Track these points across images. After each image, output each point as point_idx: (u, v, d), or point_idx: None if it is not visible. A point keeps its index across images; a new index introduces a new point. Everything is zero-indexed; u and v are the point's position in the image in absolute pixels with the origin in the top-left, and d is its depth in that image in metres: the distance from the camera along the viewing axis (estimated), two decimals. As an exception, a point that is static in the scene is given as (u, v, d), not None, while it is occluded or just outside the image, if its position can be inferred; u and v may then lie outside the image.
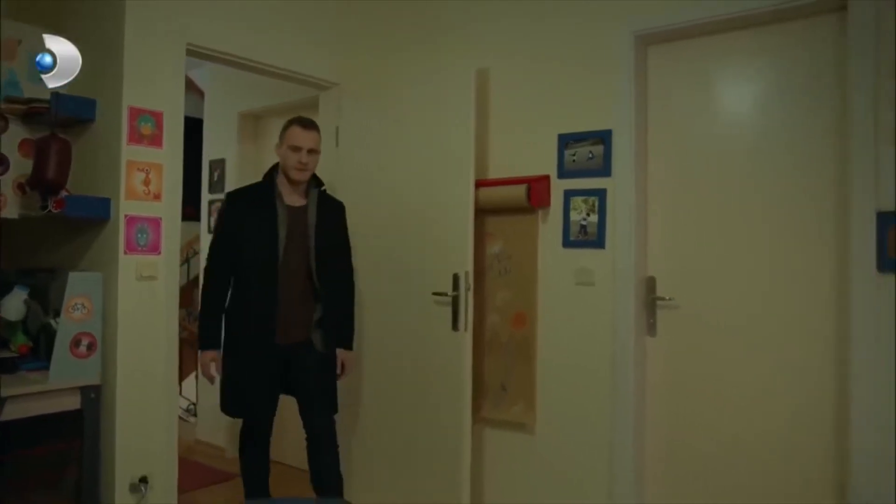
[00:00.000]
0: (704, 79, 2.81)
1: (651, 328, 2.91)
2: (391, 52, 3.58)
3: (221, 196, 4.54)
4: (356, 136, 3.55)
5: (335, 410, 2.99)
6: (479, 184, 3.14)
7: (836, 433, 2.45)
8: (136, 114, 2.83)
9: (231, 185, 4.50)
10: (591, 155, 2.95)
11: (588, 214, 2.96)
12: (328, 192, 3.11)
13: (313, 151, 2.91)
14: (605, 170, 2.91)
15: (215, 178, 4.58)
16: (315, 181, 3.01)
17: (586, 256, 2.97)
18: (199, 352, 2.89)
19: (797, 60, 2.60)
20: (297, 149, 2.87)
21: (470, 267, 3.04)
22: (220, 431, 4.52)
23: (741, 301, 2.69)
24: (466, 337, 3.03)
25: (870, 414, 2.30)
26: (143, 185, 2.86)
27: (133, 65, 2.81)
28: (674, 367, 2.86)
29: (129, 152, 2.80)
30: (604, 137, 2.92)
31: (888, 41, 2.32)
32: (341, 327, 3.06)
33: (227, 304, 2.91)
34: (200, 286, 2.95)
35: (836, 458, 2.45)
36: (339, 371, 3.04)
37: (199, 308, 2.93)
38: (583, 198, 2.98)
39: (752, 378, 2.65)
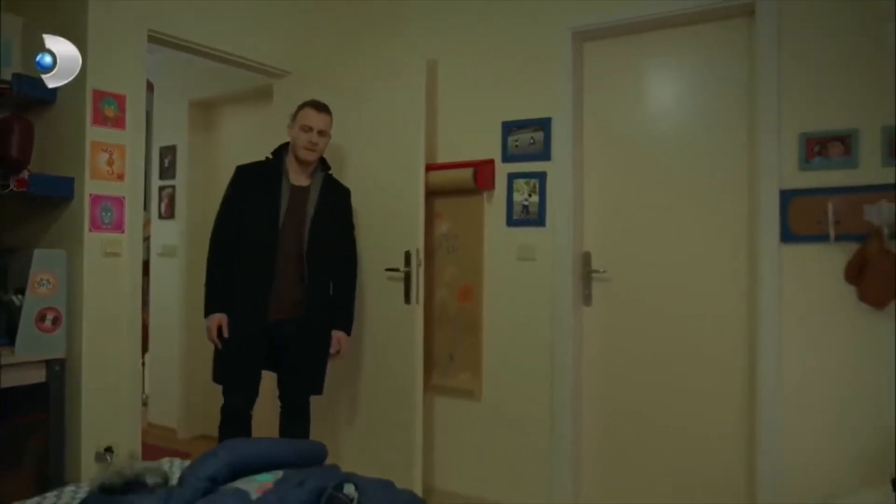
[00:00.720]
0: (634, 73, 3.12)
1: (587, 299, 3.20)
2: (344, 43, 3.76)
3: (173, 182, 4.62)
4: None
5: (319, 391, 3.08)
6: (429, 168, 3.36)
7: (747, 375, 2.79)
8: (99, 96, 2.93)
9: (182, 172, 4.59)
10: (532, 141, 3.22)
11: (530, 195, 3.22)
12: (334, 176, 3.18)
13: (323, 133, 3.01)
14: (545, 154, 3.18)
15: (166, 165, 4.64)
16: (322, 164, 3.10)
17: (528, 234, 3.23)
18: (206, 318, 2.92)
19: (713, 58, 2.93)
20: (308, 129, 2.97)
21: (421, 244, 3.25)
22: (171, 414, 4.60)
23: (666, 271, 3.01)
24: (418, 310, 3.25)
25: (774, 354, 2.66)
26: (107, 165, 2.96)
27: (96, 49, 2.91)
28: (607, 333, 3.16)
29: (94, 133, 2.90)
30: (544, 125, 3.19)
31: (790, 43, 2.66)
32: (339, 310, 3.11)
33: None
34: (206, 256, 2.99)
35: (746, 397, 2.79)
36: (333, 351, 3.08)
37: (206, 275, 2.97)
38: (525, 180, 3.23)
39: (676, 338, 2.97)
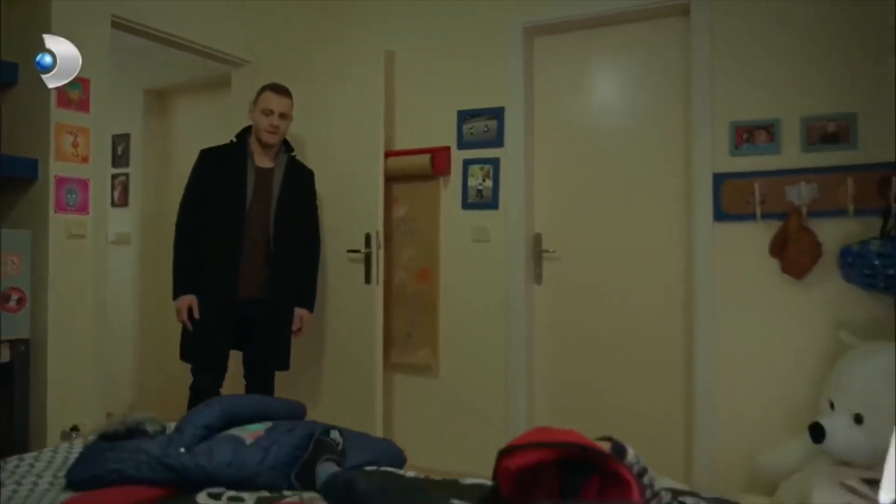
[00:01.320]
0: (580, 66, 3.35)
1: (538, 277, 3.41)
2: (303, 33, 3.86)
3: (126, 170, 4.63)
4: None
5: (285, 367, 3.18)
6: (388, 154, 3.51)
7: (685, 342, 3.05)
8: (63, 79, 2.96)
9: (136, 160, 4.60)
10: (486, 129, 3.41)
11: (484, 180, 3.41)
12: (298, 158, 3.26)
13: (284, 116, 3.09)
14: (498, 141, 3.38)
15: (119, 153, 4.64)
16: (286, 147, 3.19)
17: (482, 217, 3.42)
18: (175, 299, 2.98)
19: (653, 53, 3.19)
20: (269, 112, 3.05)
21: (380, 227, 3.40)
22: (125, 400, 4.61)
23: (610, 249, 3.25)
24: (378, 289, 3.39)
25: (709, 322, 2.93)
26: (72, 147, 3.00)
27: (60, 32, 2.91)
28: (557, 309, 3.37)
29: (58, 115, 2.94)
30: (497, 114, 3.38)
31: (721, 41, 2.93)
32: (302, 289, 3.22)
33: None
34: (173, 239, 3.05)
35: (684, 363, 3.05)
36: (295, 328, 3.18)
37: (173, 258, 3.02)
38: (479, 166, 3.42)
39: (620, 311, 3.21)
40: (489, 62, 3.41)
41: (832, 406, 2.45)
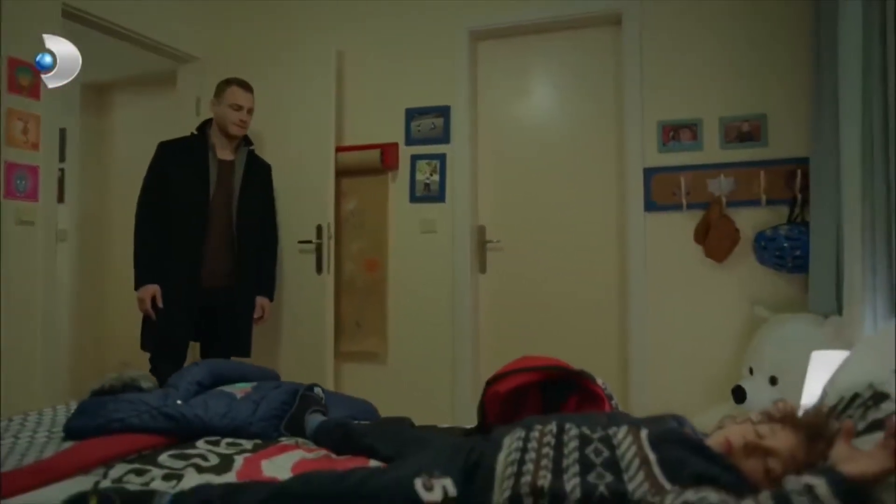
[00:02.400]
0: (522, 68, 3.59)
1: (482, 266, 3.61)
2: (254, 31, 3.93)
3: (61, 165, 4.53)
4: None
5: (247, 353, 3.21)
6: (339, 150, 3.63)
7: (620, 323, 3.31)
8: (14, 64, 2.95)
9: (73, 156, 4.52)
10: (433, 126, 3.59)
11: (431, 175, 3.59)
12: (256, 152, 3.33)
13: (251, 111, 3.20)
14: (445, 138, 3.57)
15: (53, 148, 4.54)
16: (245, 140, 3.25)
17: (430, 209, 3.59)
18: (137, 289, 2.97)
19: (588, 58, 3.47)
20: (237, 107, 3.12)
21: (331, 218, 3.52)
22: (57, 400, 4.49)
23: (549, 239, 3.48)
24: (329, 279, 3.51)
25: (641, 304, 3.21)
26: (22, 133, 2.98)
27: (11, 18, 2.94)
28: (500, 296, 3.58)
29: (10, 101, 2.92)
30: (444, 112, 3.58)
31: (650, 48, 3.23)
32: (262, 277, 3.29)
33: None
34: (133, 230, 3.05)
35: (619, 342, 3.30)
36: (257, 316, 3.26)
37: (134, 248, 3.03)
38: (427, 161, 3.60)
39: (559, 296, 3.44)
40: (436, 63, 3.60)
41: (751, 371, 2.75)
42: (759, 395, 2.63)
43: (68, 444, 1.58)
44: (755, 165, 3.03)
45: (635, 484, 1.12)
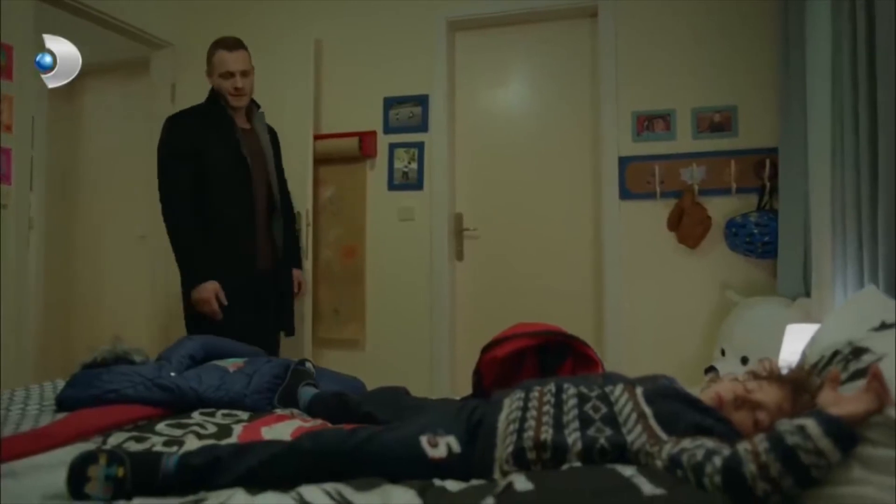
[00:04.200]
0: (499, 59, 3.64)
1: (459, 254, 3.65)
2: (230, 19, 3.89)
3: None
4: (197, 96, 3.81)
5: (292, 331, 3.11)
6: (317, 137, 3.64)
7: (596, 308, 3.38)
8: (-14, 45, 2.90)
9: (40, 142, 4.42)
10: (411, 115, 3.63)
11: (409, 163, 3.62)
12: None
13: (247, 73, 2.79)
14: (423, 127, 3.60)
15: (20, 134, 4.45)
16: (255, 104, 2.94)
17: (408, 197, 3.62)
18: (193, 290, 2.61)
19: (565, 49, 3.53)
20: (228, 75, 2.76)
21: (310, 205, 3.53)
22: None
23: (526, 226, 3.54)
24: (307, 266, 3.51)
25: (616, 289, 3.29)
26: (-5, 114, 2.93)
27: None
28: (477, 283, 3.63)
29: (-18, 81, 2.87)
30: (422, 101, 3.61)
31: (624, 40, 3.31)
32: (293, 248, 3.10)
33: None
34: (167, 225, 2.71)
35: (595, 326, 3.37)
36: (296, 290, 3.11)
37: (176, 245, 2.68)
38: (405, 149, 3.63)
39: (536, 283, 3.50)
40: (415, 53, 3.63)
41: (723, 353, 2.84)
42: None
43: (62, 416, 1.57)
44: (726, 155, 3.13)
45: (634, 436, 1.17)
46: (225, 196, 2.69)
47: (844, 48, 2.12)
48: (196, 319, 2.64)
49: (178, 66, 3.90)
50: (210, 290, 2.60)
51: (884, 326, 1.30)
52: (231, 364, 1.84)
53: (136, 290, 4.06)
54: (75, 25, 3.57)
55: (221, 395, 1.69)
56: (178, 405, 1.63)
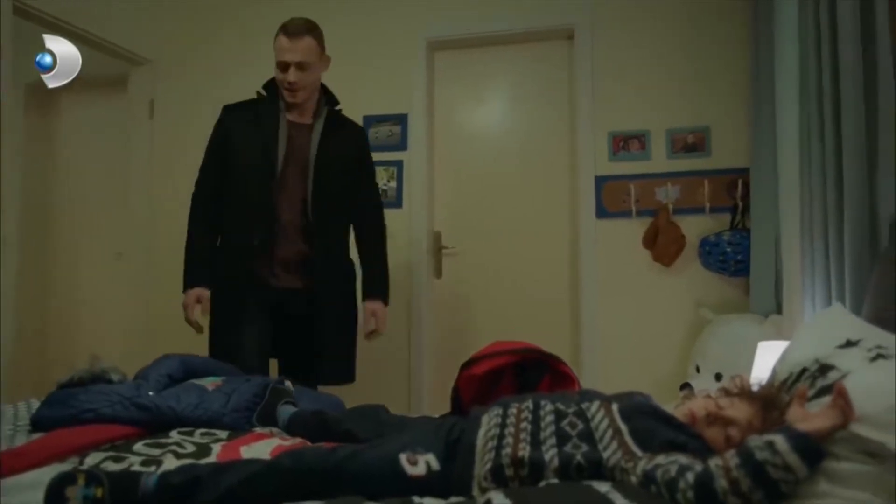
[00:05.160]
0: (477, 79, 3.70)
1: (438, 271, 3.67)
2: (209, 35, 3.91)
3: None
4: (177, 113, 3.82)
5: (349, 377, 2.56)
6: (295, 154, 3.65)
7: (573, 325, 3.42)
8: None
9: (14, 161, 4.37)
10: (390, 133, 3.66)
11: (389, 181, 3.64)
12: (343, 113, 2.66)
13: (305, 67, 2.36)
14: (402, 145, 3.63)
15: (-5, 150, 4.40)
16: (328, 98, 2.57)
17: (387, 215, 3.60)
18: (184, 293, 2.39)
19: (542, 70, 3.59)
20: (284, 66, 2.37)
21: (289, 223, 3.52)
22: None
23: (504, 245, 3.58)
24: (286, 283, 3.49)
25: (593, 306, 3.33)
26: (-29, 129, 2.91)
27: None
28: (455, 300, 3.65)
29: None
30: (401, 120, 3.64)
31: (601, 62, 3.38)
32: (368, 273, 2.61)
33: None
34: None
35: (572, 343, 3.41)
36: (369, 329, 2.56)
37: (186, 241, 2.46)
38: (384, 167, 3.64)
39: (514, 300, 3.53)
40: (394, 72, 3.66)
41: (697, 369, 2.89)
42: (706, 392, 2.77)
43: (38, 436, 1.56)
44: (699, 175, 3.19)
45: (609, 452, 1.20)
46: (242, 195, 2.39)
47: (811, 73, 2.19)
48: (212, 336, 2.40)
49: (157, 82, 3.91)
50: (191, 296, 2.35)
51: (849, 344, 1.34)
52: (210, 383, 1.83)
53: (113, 309, 4.01)
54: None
55: (200, 414, 1.69)
56: (156, 425, 1.62)
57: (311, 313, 2.42)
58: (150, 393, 1.68)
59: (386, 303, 2.64)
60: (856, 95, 1.93)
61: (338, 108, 2.62)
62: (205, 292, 2.37)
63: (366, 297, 2.59)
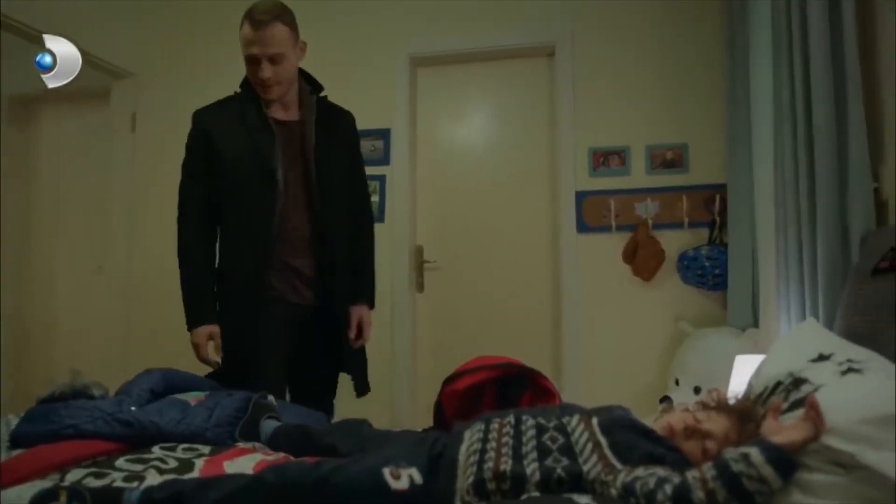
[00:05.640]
0: (460, 95, 3.74)
1: (420, 286, 3.69)
2: (192, 47, 3.92)
3: (-18, 180, 4.36)
4: (159, 126, 3.81)
5: (367, 387, 2.48)
6: (278, 168, 3.66)
7: (554, 338, 3.45)
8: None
9: (-8, 169, 4.35)
10: (373, 148, 3.67)
11: (372, 195, 3.65)
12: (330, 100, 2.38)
13: (277, 59, 2.07)
14: (385, 160, 3.66)
15: (-28, 162, 4.37)
16: (311, 85, 2.30)
17: (370, 229, 3.65)
18: (190, 331, 2.15)
19: (524, 86, 3.64)
20: (252, 59, 2.08)
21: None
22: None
23: (486, 258, 3.61)
24: (268, 297, 3.49)
25: (574, 319, 3.35)
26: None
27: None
28: (438, 314, 3.67)
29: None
30: (384, 135, 3.67)
31: (581, 78, 3.43)
32: (358, 278, 2.38)
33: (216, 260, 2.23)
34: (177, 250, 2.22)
35: (554, 356, 3.43)
36: (353, 335, 2.34)
37: (180, 273, 2.19)
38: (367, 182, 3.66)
39: (495, 313, 3.55)
40: (377, 87, 3.69)
41: (677, 382, 2.92)
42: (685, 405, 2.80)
43: (17, 452, 1.55)
44: (678, 190, 3.25)
45: (590, 465, 1.22)
46: (241, 206, 2.15)
47: (784, 94, 2.25)
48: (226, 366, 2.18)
49: (140, 96, 3.90)
50: (201, 336, 2.13)
51: (821, 358, 1.38)
52: (192, 397, 1.83)
53: (93, 322, 3.98)
54: (33, 50, 3.54)
55: (183, 429, 1.68)
56: (138, 440, 1.62)
57: (327, 326, 2.25)
58: (133, 408, 1.68)
59: (372, 307, 2.47)
60: (827, 116, 1.99)
61: (323, 94, 2.36)
62: (215, 329, 2.14)
63: (353, 301, 2.34)
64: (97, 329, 3.93)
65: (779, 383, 1.37)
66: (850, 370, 1.30)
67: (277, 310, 2.16)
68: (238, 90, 2.25)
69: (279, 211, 2.11)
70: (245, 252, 2.15)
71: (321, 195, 2.18)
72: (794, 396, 1.29)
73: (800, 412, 1.20)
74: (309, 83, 2.30)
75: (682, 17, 3.32)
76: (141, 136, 3.90)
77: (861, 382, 1.25)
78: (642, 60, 3.37)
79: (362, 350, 2.44)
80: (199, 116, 2.23)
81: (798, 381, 1.32)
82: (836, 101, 1.99)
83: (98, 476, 1.43)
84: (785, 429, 1.16)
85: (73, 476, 1.43)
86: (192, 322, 2.14)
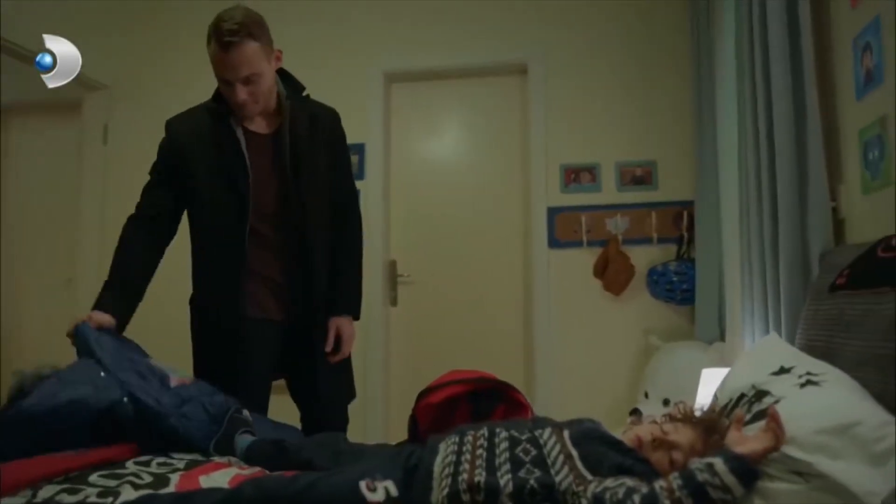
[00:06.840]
0: (433, 111, 3.79)
1: (393, 300, 3.71)
2: (167, 61, 3.92)
3: (-53, 191, 4.29)
4: (131, 138, 3.79)
5: (353, 394, 2.50)
6: (252, 182, 3.66)
7: (526, 352, 3.49)
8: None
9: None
10: (348, 162, 3.70)
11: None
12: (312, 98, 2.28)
13: (251, 79, 1.96)
14: (359, 175, 3.68)
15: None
16: (291, 87, 2.21)
17: (344, 243, 3.67)
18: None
19: (496, 103, 3.71)
20: (226, 82, 1.97)
21: (245, 251, 3.51)
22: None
23: (459, 273, 3.65)
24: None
25: (546, 333, 3.42)
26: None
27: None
28: (411, 328, 3.69)
29: None
30: (358, 149, 3.69)
31: (553, 96, 3.50)
32: (340, 285, 2.24)
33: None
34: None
35: (526, 370, 3.47)
36: (328, 348, 2.24)
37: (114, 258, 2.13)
38: (342, 196, 3.69)
39: (468, 327, 3.59)
40: (352, 102, 3.67)
41: (646, 395, 2.98)
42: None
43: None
44: (647, 206, 3.33)
45: (561, 476, 1.25)
46: (211, 222, 2.10)
47: (747, 113, 2.33)
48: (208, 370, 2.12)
49: (112, 108, 3.88)
50: (92, 318, 2.04)
51: (782, 371, 1.43)
52: (177, 378, 1.83)
53: (62, 337, 3.91)
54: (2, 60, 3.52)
55: (145, 398, 1.69)
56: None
57: (310, 343, 2.20)
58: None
59: (356, 317, 2.33)
60: (788, 138, 2.06)
61: (304, 92, 2.27)
62: (107, 319, 2.01)
63: (332, 311, 2.21)
64: (66, 342, 3.86)
65: (742, 395, 1.42)
66: (808, 382, 1.35)
67: (255, 327, 2.10)
68: (210, 102, 2.13)
69: (250, 227, 2.04)
70: (217, 271, 2.09)
71: (300, 206, 2.09)
72: (757, 408, 1.34)
73: (762, 423, 1.25)
74: (289, 86, 2.20)
75: (652, 38, 3.42)
76: (113, 149, 3.88)
77: (819, 394, 1.31)
78: (612, 79, 3.46)
79: (345, 361, 2.37)
80: (173, 126, 2.18)
81: (760, 394, 1.37)
82: (796, 125, 2.07)
83: (71, 492, 1.42)
84: (748, 440, 1.22)
85: (45, 493, 1.42)
86: (95, 305, 2.05)
